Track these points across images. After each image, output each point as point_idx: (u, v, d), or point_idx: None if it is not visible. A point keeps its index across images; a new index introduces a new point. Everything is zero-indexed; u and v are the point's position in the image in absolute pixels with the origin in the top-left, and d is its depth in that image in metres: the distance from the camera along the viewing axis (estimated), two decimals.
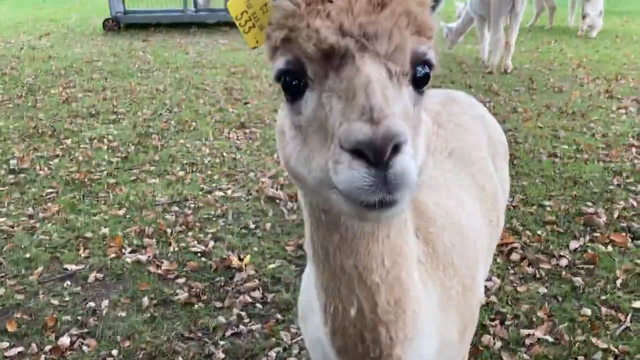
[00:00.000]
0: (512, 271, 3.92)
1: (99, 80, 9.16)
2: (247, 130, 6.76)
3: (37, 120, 7.13)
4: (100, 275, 3.96)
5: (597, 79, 8.94)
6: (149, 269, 4.00)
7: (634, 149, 5.95)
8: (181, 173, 5.59)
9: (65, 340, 3.33)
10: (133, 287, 3.83)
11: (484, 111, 2.66)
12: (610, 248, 4.13)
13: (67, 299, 3.73)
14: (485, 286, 3.62)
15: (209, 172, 5.63)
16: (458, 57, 10.59)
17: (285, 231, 4.47)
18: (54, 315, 3.54)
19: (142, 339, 3.36)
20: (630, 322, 3.39)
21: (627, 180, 5.22)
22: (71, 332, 3.41)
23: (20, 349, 3.29)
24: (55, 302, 3.68)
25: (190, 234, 4.47)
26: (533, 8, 13.84)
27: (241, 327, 3.44)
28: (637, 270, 3.86)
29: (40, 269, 4.01)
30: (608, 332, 3.32)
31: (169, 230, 4.50)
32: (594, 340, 3.24)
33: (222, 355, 3.23)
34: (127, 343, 3.33)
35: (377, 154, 0.97)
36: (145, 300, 3.67)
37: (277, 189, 5.15)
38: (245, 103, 7.84)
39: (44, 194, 5.14)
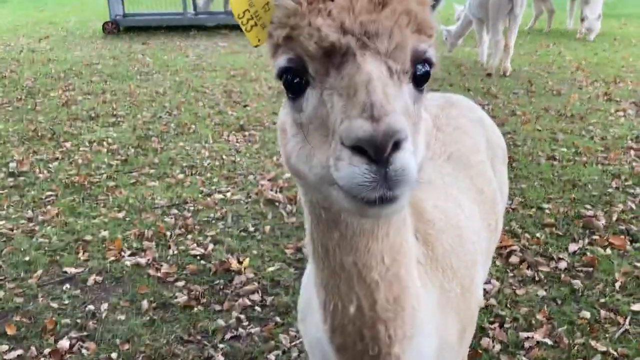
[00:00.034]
0: (511, 274, 3.93)
1: (99, 83, 9.17)
2: (247, 133, 6.77)
3: (36, 123, 7.13)
4: (99, 279, 3.96)
5: (596, 81, 8.96)
6: (149, 272, 4.01)
7: (632, 152, 5.97)
8: (181, 176, 5.60)
9: (64, 344, 3.33)
10: (132, 290, 3.83)
11: (483, 114, 2.67)
12: (609, 251, 4.14)
13: (66, 302, 3.73)
14: (485, 289, 3.62)
15: (209, 174, 5.64)
16: (457, 59, 10.61)
17: (285, 234, 4.47)
18: (54, 319, 3.54)
19: (141, 342, 3.36)
20: (629, 324, 3.40)
21: (626, 183, 5.23)
22: (70, 335, 3.42)
23: (19, 352, 3.29)
24: (54, 305, 3.68)
25: (189, 236, 4.47)
26: (532, 11, 13.86)
27: (240, 330, 3.45)
28: (636, 273, 3.87)
29: (39, 272, 4.01)
30: (607, 335, 3.32)
31: (168, 233, 4.51)
32: (593, 343, 3.25)
33: (222, 359, 3.24)
34: (127, 346, 3.33)
35: (378, 151, 0.98)
36: (145, 304, 3.67)
37: (276, 192, 5.15)
38: (245, 106, 7.85)
39: (43, 197, 5.15)
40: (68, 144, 6.43)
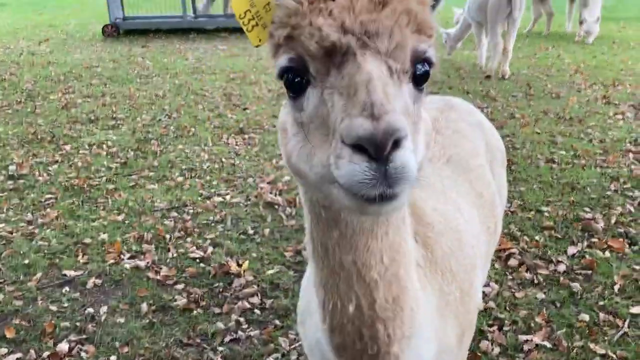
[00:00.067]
0: (510, 277, 3.93)
1: (98, 86, 9.18)
2: (246, 136, 6.78)
3: (36, 126, 7.14)
4: (99, 281, 3.96)
5: (595, 84, 8.97)
6: (148, 275, 4.01)
7: (631, 155, 5.97)
8: (180, 179, 5.60)
9: (63, 347, 3.33)
10: (132, 293, 3.83)
11: (482, 118, 2.68)
12: (607, 254, 4.15)
13: (65, 305, 3.73)
14: (484, 292, 3.63)
15: (208, 177, 5.64)
16: (456, 62, 10.63)
17: (284, 237, 4.47)
18: (53, 322, 3.54)
19: (140, 345, 3.36)
20: (628, 327, 3.40)
21: (625, 186, 5.24)
22: (70, 338, 3.42)
23: (18, 355, 3.29)
24: (53, 308, 3.68)
25: (189, 239, 4.48)
26: (530, 14, 13.89)
27: (240, 333, 3.45)
28: (635, 275, 3.88)
29: (39, 275, 4.02)
30: (606, 338, 3.33)
31: (167, 236, 4.51)
32: (592, 346, 3.25)
33: None
34: (126, 349, 3.33)
35: (378, 149, 0.99)
36: (144, 306, 3.67)
37: (275, 195, 5.16)
38: (244, 109, 7.86)
39: (43, 200, 5.15)
40: (68, 147, 6.44)
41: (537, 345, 3.28)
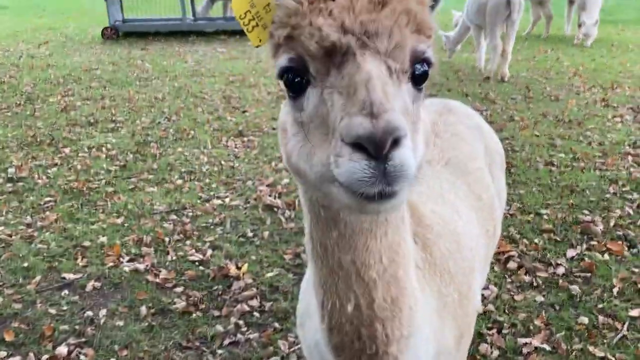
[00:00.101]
0: (509, 279, 3.94)
1: (98, 88, 9.19)
2: (245, 139, 6.78)
3: (35, 129, 7.14)
4: (98, 284, 3.96)
5: (593, 87, 8.99)
6: (147, 278, 4.01)
7: (630, 158, 5.98)
8: (179, 181, 5.60)
9: (62, 350, 3.32)
10: (131, 296, 3.83)
11: (481, 121, 2.69)
12: (607, 256, 4.15)
13: (64, 308, 3.72)
14: (483, 295, 3.63)
15: (207, 180, 5.64)
16: (455, 65, 10.65)
17: (283, 239, 4.47)
18: (52, 325, 3.54)
19: (139, 348, 3.36)
20: (627, 330, 3.40)
21: (624, 189, 5.24)
22: (69, 341, 3.41)
23: (17, 358, 3.29)
24: (52, 311, 3.68)
25: (188, 242, 4.48)
26: (529, 17, 13.92)
27: (239, 336, 3.45)
28: (634, 278, 3.88)
29: (38, 278, 4.01)
30: (605, 341, 3.33)
31: (167, 239, 4.51)
32: (591, 348, 3.25)
33: None
34: (125, 352, 3.33)
35: (377, 148, 1.00)
36: (143, 309, 3.67)
37: (275, 197, 5.16)
38: (244, 111, 7.87)
39: (42, 203, 5.15)
40: (67, 150, 6.44)
41: (536, 348, 3.28)
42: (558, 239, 4.42)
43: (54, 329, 3.50)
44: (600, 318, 3.50)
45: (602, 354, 3.21)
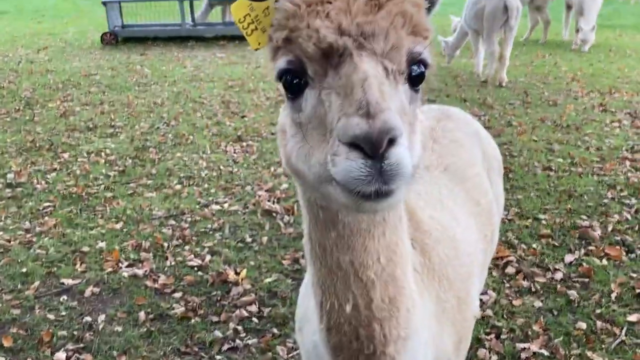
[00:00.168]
0: (507, 285, 3.94)
1: (97, 93, 9.20)
2: (244, 144, 6.79)
3: (34, 134, 7.15)
4: (96, 290, 3.96)
5: (591, 92, 9.02)
6: (146, 283, 4.01)
7: (627, 163, 6.00)
8: (178, 187, 5.61)
9: (61, 356, 3.32)
10: (130, 301, 3.83)
11: (479, 127, 2.70)
12: (605, 261, 4.16)
13: (63, 313, 3.72)
14: (481, 300, 3.63)
15: (206, 185, 5.65)
16: (453, 70, 10.68)
17: (282, 245, 4.48)
18: (50, 330, 3.53)
19: (138, 354, 3.36)
20: (625, 335, 3.41)
21: (621, 194, 5.26)
22: (67, 347, 3.41)
23: None
24: (51, 316, 3.68)
25: (186, 247, 4.48)
26: (527, 22, 13.96)
27: (238, 341, 3.45)
28: (632, 283, 3.89)
29: (36, 283, 4.01)
30: (603, 346, 3.33)
31: (165, 244, 4.51)
32: (589, 354, 3.26)
33: None
34: (124, 358, 3.33)
35: (374, 147, 1.02)
36: (142, 315, 3.67)
37: (273, 203, 5.17)
38: (243, 116, 7.88)
39: (41, 208, 5.15)
40: (66, 155, 6.45)
41: (534, 353, 3.28)
42: (556, 244, 4.43)
43: (52, 335, 3.50)
44: (599, 323, 3.51)
45: (600, 359, 3.21)
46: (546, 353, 3.28)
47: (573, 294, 3.79)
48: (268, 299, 3.83)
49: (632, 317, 3.55)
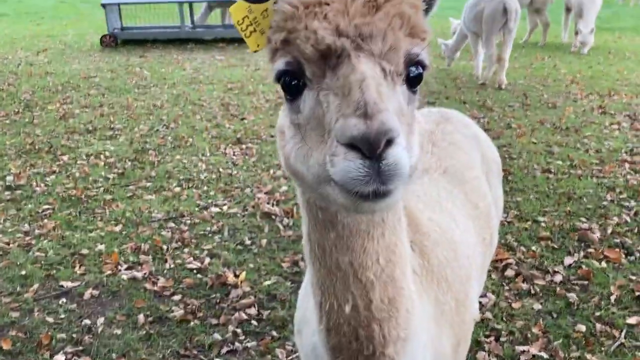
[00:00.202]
0: (506, 287, 3.94)
1: (96, 96, 9.20)
2: (244, 146, 6.79)
3: (33, 137, 7.15)
4: (96, 292, 3.96)
5: (591, 94, 9.03)
6: (145, 286, 4.01)
7: (627, 165, 6.00)
8: (177, 189, 5.61)
9: (60, 358, 3.32)
10: (129, 304, 3.83)
11: (477, 130, 2.70)
12: (604, 264, 4.16)
13: (62, 316, 3.72)
14: (480, 302, 3.63)
15: (205, 188, 5.65)
16: (452, 73, 10.69)
17: (281, 247, 4.48)
18: (49, 333, 3.53)
19: (137, 357, 3.35)
20: (625, 338, 3.41)
21: (621, 196, 5.26)
22: (66, 350, 3.41)
23: None
24: (50, 319, 3.67)
25: (186, 250, 4.48)
26: (526, 24, 13.99)
27: (237, 344, 3.44)
28: (631, 286, 3.89)
29: (35, 286, 4.01)
30: (603, 349, 3.33)
31: (165, 247, 4.51)
32: (588, 356, 3.26)
33: None
34: None
35: (371, 148, 1.03)
36: (141, 318, 3.67)
37: (273, 205, 5.16)
38: (242, 119, 7.88)
39: (40, 211, 5.15)
40: (65, 157, 6.44)
41: (533, 356, 3.28)
42: (555, 246, 4.43)
43: (51, 338, 3.49)
44: (598, 326, 3.51)
45: None
46: (545, 356, 3.28)
47: (572, 296, 3.79)
48: (267, 301, 3.83)
49: (632, 320, 3.55)
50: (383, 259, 1.38)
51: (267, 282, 4.01)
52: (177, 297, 3.89)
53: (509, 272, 4.08)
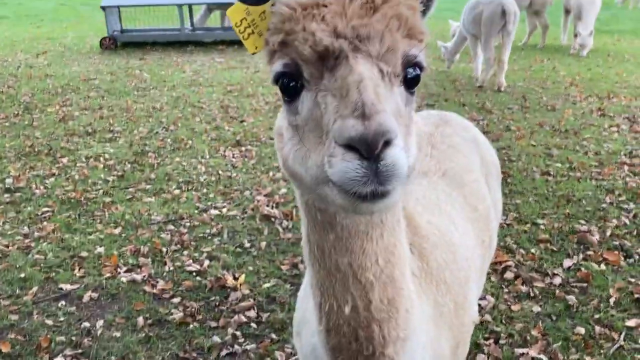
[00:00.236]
0: (506, 290, 3.94)
1: (96, 98, 9.21)
2: (243, 149, 6.79)
3: (33, 139, 7.15)
4: (95, 295, 3.95)
5: (590, 97, 9.04)
6: (144, 289, 4.00)
7: (626, 167, 6.01)
8: (177, 191, 5.60)
9: None
10: (128, 306, 3.82)
11: (476, 133, 2.71)
12: (603, 266, 4.16)
13: (61, 319, 3.72)
14: (480, 305, 3.63)
15: (205, 190, 5.65)
16: (452, 75, 10.70)
17: (281, 250, 4.48)
18: (48, 336, 3.53)
19: (136, 359, 3.35)
20: (624, 340, 3.41)
21: (620, 199, 5.26)
22: (65, 352, 3.40)
23: None
24: (49, 322, 3.67)
25: (185, 252, 4.48)
26: (526, 26, 14.01)
27: (236, 347, 3.44)
28: (630, 288, 3.89)
29: (34, 288, 4.00)
30: (602, 351, 3.33)
31: (164, 249, 4.51)
32: (587, 359, 3.26)
33: None
34: None
35: (369, 149, 1.03)
36: (140, 320, 3.67)
37: (272, 208, 5.17)
38: (241, 121, 7.89)
39: (39, 213, 5.14)
40: (65, 160, 6.44)
41: (533, 358, 3.28)
42: (554, 248, 4.43)
43: (50, 340, 3.49)
44: (597, 328, 3.51)
45: None
46: (545, 358, 3.28)
47: (572, 298, 3.79)
48: (266, 304, 3.83)
49: (631, 322, 3.55)
50: (382, 259, 1.38)
51: (267, 285, 4.01)
52: (176, 300, 3.89)
53: (508, 275, 4.08)
